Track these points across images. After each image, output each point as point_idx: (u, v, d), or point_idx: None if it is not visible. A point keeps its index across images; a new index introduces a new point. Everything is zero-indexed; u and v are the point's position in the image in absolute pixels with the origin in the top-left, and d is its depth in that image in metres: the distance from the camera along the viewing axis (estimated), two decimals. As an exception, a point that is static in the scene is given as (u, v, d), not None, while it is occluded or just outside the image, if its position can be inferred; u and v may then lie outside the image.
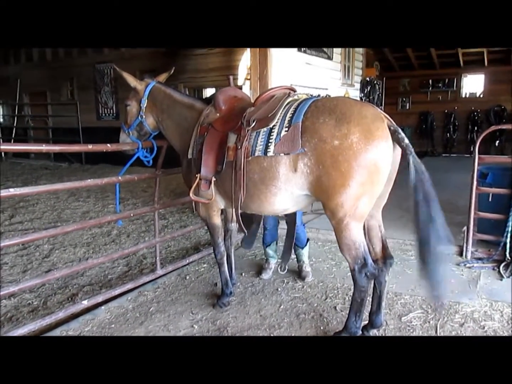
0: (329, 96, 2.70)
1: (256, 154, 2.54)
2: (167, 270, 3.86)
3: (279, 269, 3.62)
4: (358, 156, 2.26)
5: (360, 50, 7.90)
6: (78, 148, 3.01)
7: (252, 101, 2.95)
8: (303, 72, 5.71)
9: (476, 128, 11.72)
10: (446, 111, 12.20)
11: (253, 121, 2.59)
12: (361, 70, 8.06)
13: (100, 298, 3.18)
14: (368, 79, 8.23)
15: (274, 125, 2.51)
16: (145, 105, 3.17)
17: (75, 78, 11.78)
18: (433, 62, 11.85)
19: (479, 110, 11.70)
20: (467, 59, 11.54)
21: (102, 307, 3.29)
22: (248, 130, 2.60)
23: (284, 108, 2.55)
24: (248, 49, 5.54)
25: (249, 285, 3.66)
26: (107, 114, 11.25)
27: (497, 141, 11.08)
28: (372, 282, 2.63)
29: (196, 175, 2.82)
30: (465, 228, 4.06)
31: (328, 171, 2.33)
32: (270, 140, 2.50)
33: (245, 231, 2.93)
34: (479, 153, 3.96)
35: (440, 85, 12.29)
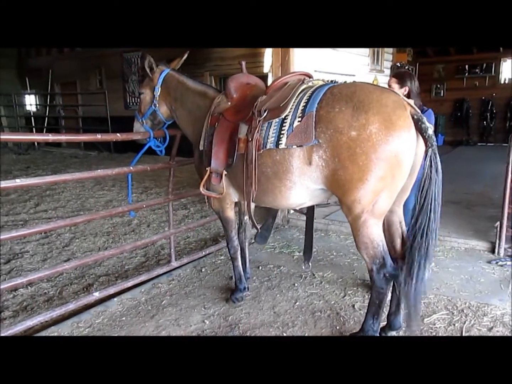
0: (349, 82, 2.49)
1: (268, 146, 2.40)
2: (182, 262, 3.79)
3: (303, 266, 3.48)
4: (377, 148, 2.08)
5: (390, 34, 7.53)
6: (86, 137, 2.92)
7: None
8: (329, 57, 5.47)
9: (516, 116, 11.11)
10: (483, 98, 11.62)
11: (265, 111, 2.45)
12: (391, 55, 7.69)
13: (112, 290, 3.14)
14: (398, 64, 7.86)
15: (286, 115, 2.35)
16: (158, 93, 3.08)
17: (103, 67, 11.90)
18: (470, 47, 11.25)
19: (519, 97, 11.07)
20: (507, 42, 10.89)
21: (115, 299, 3.25)
22: (259, 121, 2.45)
23: (297, 97, 2.38)
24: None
25: (266, 279, 3.55)
26: (134, 103, 11.29)
27: (539, 130, 10.46)
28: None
29: (207, 168, 2.71)
30: (498, 223, 3.79)
31: (345, 165, 2.16)
32: (282, 132, 2.35)
33: (257, 227, 2.81)
34: (507, 143, 3.68)
35: (477, 70, 11.69)
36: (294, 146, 2.30)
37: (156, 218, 5.52)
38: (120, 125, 9.08)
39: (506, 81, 11.56)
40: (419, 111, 2.21)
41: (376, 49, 6.85)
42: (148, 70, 3.13)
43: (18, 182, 2.34)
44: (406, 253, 2.30)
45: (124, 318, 3.00)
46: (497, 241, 3.79)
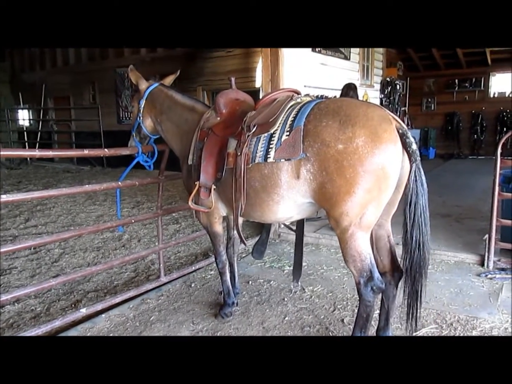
0: (337, 98, 2.54)
1: (257, 160, 2.41)
2: (172, 277, 3.77)
3: (292, 286, 3.47)
4: (364, 161, 2.10)
5: (380, 50, 7.67)
6: (74, 153, 2.97)
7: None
8: (318, 73, 5.55)
9: (505, 129, 11.22)
10: (473, 111, 11.78)
11: (254, 126, 2.47)
12: (381, 70, 7.81)
13: (99, 306, 3.11)
14: (388, 79, 7.98)
15: (275, 130, 2.38)
16: (142, 106, 3.11)
17: (97, 82, 11.94)
18: (459, 61, 11.44)
19: (508, 110, 11.23)
20: (495, 57, 11.10)
21: (103, 315, 3.21)
22: (248, 136, 2.47)
23: (286, 112, 2.41)
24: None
25: (255, 294, 3.53)
26: (127, 118, 11.32)
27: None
28: (380, 296, 2.47)
29: (196, 183, 2.71)
30: (486, 236, 3.81)
31: (332, 178, 2.17)
32: (271, 146, 2.37)
33: (244, 241, 2.80)
34: (505, 156, 3.72)
35: (467, 84, 11.87)
36: (282, 160, 2.31)
37: (147, 233, 5.49)
38: (113, 139, 9.11)
39: (495, 95, 11.74)
40: (404, 125, 2.25)
41: (366, 64, 6.96)
42: (134, 82, 3.18)
43: (4, 198, 2.33)
44: (407, 267, 2.31)
45: (111, 335, 2.96)
46: (486, 254, 3.81)
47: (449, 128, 12.06)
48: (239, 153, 2.47)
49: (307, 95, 5.20)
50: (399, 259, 2.44)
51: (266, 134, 2.40)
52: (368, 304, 2.32)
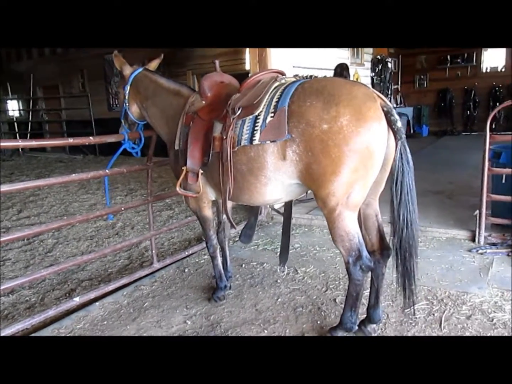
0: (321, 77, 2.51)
1: (242, 143, 2.39)
2: (165, 263, 3.78)
3: (279, 270, 3.49)
4: (349, 140, 2.09)
5: (370, 27, 7.56)
6: (57, 142, 2.91)
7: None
8: (307, 53, 5.48)
9: (498, 105, 11.16)
10: (465, 87, 11.71)
11: (239, 109, 2.44)
12: (371, 49, 7.72)
13: (93, 295, 3.12)
14: (379, 57, 7.90)
15: (260, 112, 2.35)
16: (127, 92, 3.08)
17: (86, 70, 11.78)
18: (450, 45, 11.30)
19: (501, 85, 11.18)
20: (487, 31, 10.97)
21: (97, 303, 3.23)
22: (233, 119, 2.44)
23: (270, 93, 2.38)
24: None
25: (248, 277, 3.55)
26: (117, 105, 11.18)
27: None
28: (370, 274, 2.48)
29: (183, 168, 2.70)
30: (477, 212, 3.83)
31: (318, 158, 2.16)
32: (256, 128, 2.34)
33: (234, 225, 2.80)
34: (497, 131, 3.72)
35: (459, 60, 11.77)
36: (268, 142, 2.29)
37: (141, 220, 5.49)
38: (105, 127, 9.03)
39: (488, 70, 11.66)
40: (389, 103, 2.23)
41: (355, 42, 6.88)
42: (118, 68, 3.15)
43: None
44: (397, 246, 2.31)
45: (105, 322, 2.98)
46: (477, 229, 3.83)
47: (442, 105, 12.01)
48: (224, 137, 2.45)
49: (296, 75, 5.17)
50: (387, 238, 2.45)
51: (251, 117, 2.38)
52: (358, 283, 2.33)
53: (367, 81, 7.70)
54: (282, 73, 2.65)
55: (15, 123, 13.92)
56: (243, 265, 3.78)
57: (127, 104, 3.16)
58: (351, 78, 6.58)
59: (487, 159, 3.67)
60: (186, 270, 3.77)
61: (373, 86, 7.91)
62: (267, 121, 2.30)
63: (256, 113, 2.35)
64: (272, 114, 2.29)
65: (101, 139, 2.89)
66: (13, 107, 14.40)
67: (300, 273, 3.53)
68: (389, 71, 8.10)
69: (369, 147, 2.11)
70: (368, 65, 7.51)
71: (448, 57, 11.84)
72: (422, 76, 12.46)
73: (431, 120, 12.16)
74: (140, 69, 3.15)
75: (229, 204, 3.01)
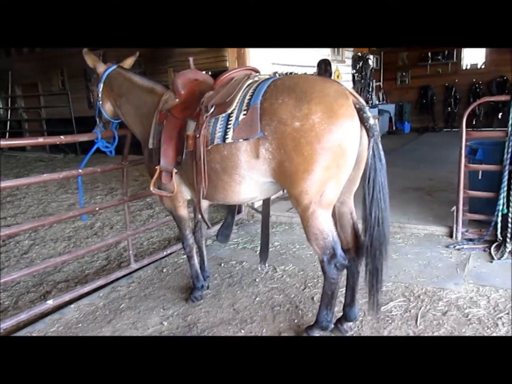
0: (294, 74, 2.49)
1: (215, 142, 2.36)
2: (143, 264, 3.73)
3: (259, 268, 3.47)
4: (321, 138, 2.07)
5: (351, 24, 7.57)
6: (27, 141, 2.82)
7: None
8: (286, 50, 5.44)
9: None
10: (446, 84, 11.82)
11: (212, 107, 2.40)
12: (352, 46, 7.74)
13: (67, 297, 3.06)
14: (359, 54, 7.92)
15: (232, 110, 2.32)
16: (101, 89, 3.03)
17: (65, 67, 11.55)
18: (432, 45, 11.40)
19: (480, 82, 11.32)
20: (467, 29, 11.08)
21: (72, 305, 3.17)
22: (206, 117, 2.41)
23: (243, 91, 2.35)
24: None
25: (227, 276, 3.52)
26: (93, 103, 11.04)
27: (500, 113, 10.69)
28: (346, 272, 2.48)
29: (156, 167, 2.65)
30: (454, 208, 3.85)
31: (290, 156, 2.14)
32: (229, 126, 2.31)
33: (208, 224, 2.77)
34: (477, 127, 3.75)
35: (439, 57, 11.87)
36: (241, 140, 2.27)
37: (120, 220, 5.40)
38: (85, 125, 8.87)
39: (468, 67, 11.79)
40: (362, 100, 2.21)
41: (336, 39, 6.89)
42: (91, 66, 3.10)
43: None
44: (367, 244, 2.29)
45: (80, 325, 2.92)
46: (455, 225, 3.86)
47: (424, 101, 12.10)
48: (198, 135, 2.41)
49: (275, 72, 5.13)
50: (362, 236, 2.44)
51: (224, 115, 2.35)
52: (333, 282, 2.32)
53: (348, 78, 7.70)
54: (256, 71, 2.62)
55: (-7, 122, 13.60)
56: (222, 264, 3.75)
57: (100, 102, 3.12)
58: (332, 75, 6.59)
59: (463, 155, 3.70)
60: (164, 270, 3.73)
61: (354, 83, 7.94)
62: (240, 119, 2.27)
63: (229, 111, 2.32)
64: (245, 112, 2.26)
65: (72, 138, 2.83)
66: (-9, 106, 14.08)
67: (279, 272, 3.52)
68: (370, 68, 8.13)
69: (341, 145, 2.09)
70: (349, 62, 7.51)
71: (429, 54, 11.94)
72: (404, 73, 12.55)
73: (413, 116, 12.26)
74: (114, 67, 3.11)
75: (205, 203, 2.98)
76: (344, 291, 2.57)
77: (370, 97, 8.45)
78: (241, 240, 4.29)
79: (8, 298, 3.49)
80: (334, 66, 6.86)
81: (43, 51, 11.69)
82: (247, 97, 2.29)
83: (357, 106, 2.15)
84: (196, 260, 3.10)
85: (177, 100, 2.69)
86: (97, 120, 3.24)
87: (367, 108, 2.18)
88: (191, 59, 2.92)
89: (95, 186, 7.37)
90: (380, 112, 10.97)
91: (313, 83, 2.18)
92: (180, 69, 9.13)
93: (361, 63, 7.83)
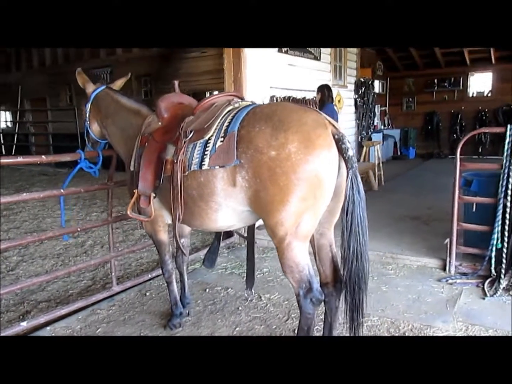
0: (273, 102, 2.45)
1: (192, 168, 2.31)
2: (126, 286, 3.64)
3: (245, 294, 3.38)
4: (297, 168, 2.01)
5: (354, 50, 7.61)
6: (8, 161, 2.77)
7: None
8: (285, 73, 5.45)
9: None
10: (452, 111, 11.78)
11: (191, 132, 2.36)
12: (355, 71, 7.75)
13: (42, 319, 2.98)
14: (362, 79, 7.92)
15: (210, 136, 2.28)
16: (88, 109, 3.02)
17: (73, 83, 11.71)
18: (438, 61, 11.44)
19: (487, 110, 11.26)
20: (473, 57, 11.10)
21: (48, 328, 3.09)
22: (184, 142, 2.37)
23: (222, 117, 2.31)
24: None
25: (210, 302, 3.42)
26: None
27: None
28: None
29: (134, 191, 2.60)
30: (447, 240, 3.74)
31: (266, 185, 2.08)
32: (206, 152, 2.26)
33: (183, 250, 2.70)
34: (483, 156, 3.68)
35: (446, 84, 11.85)
36: (217, 167, 2.21)
37: (113, 238, 5.34)
38: (88, 141, 9.01)
39: (474, 95, 11.76)
40: (341, 131, 2.15)
41: (338, 64, 6.88)
42: (81, 86, 3.11)
43: None
44: (346, 279, 2.22)
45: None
46: (448, 258, 3.74)
47: (429, 127, 12.04)
48: (175, 160, 2.37)
49: (272, 96, 5.12)
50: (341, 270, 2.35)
51: (202, 140, 2.30)
52: (309, 316, 2.23)
53: (350, 102, 7.70)
54: (239, 96, 2.58)
55: (1, 135, 13.79)
56: (207, 290, 3.66)
57: (88, 122, 3.10)
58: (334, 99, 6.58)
59: (457, 186, 3.61)
60: (147, 294, 3.64)
61: (356, 108, 7.91)
62: (217, 145, 2.22)
63: (207, 137, 2.28)
64: (222, 139, 2.21)
65: (54, 158, 2.81)
66: (0, 119, 14.31)
67: (263, 300, 3.42)
68: (372, 94, 8.11)
69: (318, 176, 2.03)
70: (350, 87, 7.51)
71: (435, 80, 11.93)
72: (410, 99, 12.54)
73: (418, 142, 12.19)
74: (103, 87, 3.10)
75: (186, 228, 2.93)
76: (322, 326, 2.47)
77: (372, 122, 8.42)
78: (230, 265, 4.20)
79: (-14, 317, 3.42)
80: (335, 91, 6.86)
81: (52, 67, 11.93)
82: (225, 123, 2.25)
83: (336, 136, 2.09)
84: (175, 286, 3.02)
85: (160, 123, 2.66)
86: (86, 140, 3.23)
87: (346, 139, 2.12)
88: (176, 82, 2.92)
89: (93, 203, 7.37)
90: (385, 137, 10.93)
91: (291, 112, 2.13)
92: (185, 89, 9.23)
93: (363, 88, 7.83)
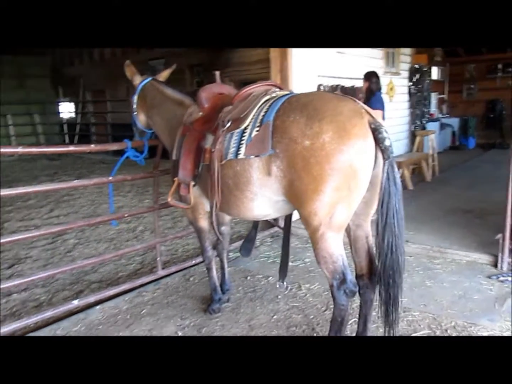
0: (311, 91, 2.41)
1: (229, 157, 2.35)
2: (170, 271, 3.79)
3: (277, 285, 3.40)
4: (331, 158, 1.99)
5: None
6: (57, 149, 2.97)
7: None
8: (333, 62, 5.35)
9: (553, 117, 10.44)
10: (517, 98, 10.98)
11: (228, 121, 2.40)
12: (409, 57, 7.43)
13: (92, 299, 3.18)
14: (417, 66, 7.58)
15: (246, 126, 2.30)
16: (135, 101, 3.14)
17: (130, 75, 12.21)
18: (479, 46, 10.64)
19: (557, 97, 10.39)
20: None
21: (97, 307, 3.29)
22: (222, 131, 2.41)
23: (258, 107, 2.33)
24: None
25: (250, 290, 3.49)
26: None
27: None
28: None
29: (174, 179, 2.70)
30: (500, 235, 3.55)
31: (300, 175, 2.08)
32: (242, 142, 2.30)
33: (220, 237, 2.75)
34: None
35: (511, 69, 11.06)
36: (252, 156, 2.24)
37: (162, 225, 5.53)
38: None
39: (544, 80, 10.90)
40: (379, 120, 2.10)
41: (390, 50, 6.64)
42: (129, 78, 3.23)
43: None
44: (380, 272, 2.18)
45: (100, 327, 3.02)
46: (500, 254, 3.55)
47: (491, 116, 11.32)
48: (213, 149, 2.42)
49: (320, 85, 5.05)
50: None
51: (238, 130, 2.34)
52: (342, 308, 2.21)
53: (403, 90, 7.40)
54: (278, 86, 2.58)
55: (65, 124, 14.64)
56: (248, 277, 3.73)
57: (135, 113, 3.23)
58: (385, 88, 6.37)
59: (511, 178, 3.39)
60: (191, 279, 3.77)
61: (410, 96, 7.61)
62: (253, 135, 2.25)
63: (243, 127, 2.31)
64: (258, 129, 2.23)
65: (102, 147, 2.97)
66: (64, 109, 15.18)
67: (303, 290, 3.43)
68: (427, 81, 7.75)
69: (352, 166, 2.00)
70: (404, 74, 7.22)
71: (500, 66, 11.17)
72: (471, 86, 11.84)
73: (479, 132, 11.51)
74: (149, 79, 3.21)
75: (227, 216, 2.99)
76: (358, 319, 2.45)
77: (427, 110, 8.05)
78: (273, 254, 4.24)
79: (45, 294, 3.70)
80: (387, 79, 6.63)
81: (111, 59, 12.45)
82: (262, 113, 2.26)
83: (373, 126, 2.04)
84: (214, 272, 3.10)
85: (200, 113, 2.73)
86: (134, 129, 3.37)
87: (383, 128, 2.06)
88: (217, 73, 2.95)
89: (145, 190, 7.66)
90: (442, 126, 10.42)
91: (326, 101, 2.10)
92: (236, 79, 9.34)
93: (418, 76, 7.49)
